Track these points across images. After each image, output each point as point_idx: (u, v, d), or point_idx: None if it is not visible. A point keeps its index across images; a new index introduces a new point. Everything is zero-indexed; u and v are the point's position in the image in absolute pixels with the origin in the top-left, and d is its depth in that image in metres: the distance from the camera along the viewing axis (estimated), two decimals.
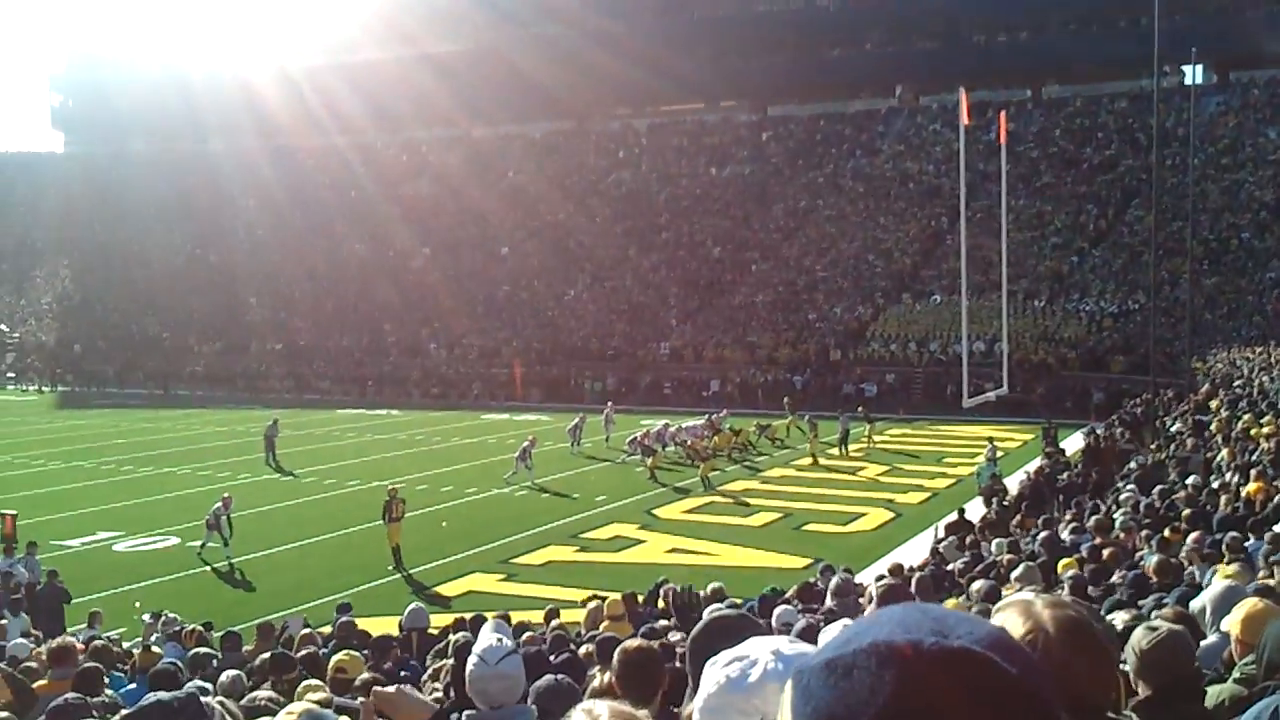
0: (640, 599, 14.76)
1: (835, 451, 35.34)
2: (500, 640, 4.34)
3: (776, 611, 11.03)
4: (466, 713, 4.22)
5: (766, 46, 74.41)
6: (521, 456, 31.32)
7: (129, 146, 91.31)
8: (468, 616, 13.95)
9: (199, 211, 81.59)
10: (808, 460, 34.12)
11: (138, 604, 18.63)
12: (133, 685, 10.01)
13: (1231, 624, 4.98)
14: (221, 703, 3.94)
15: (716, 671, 1.60)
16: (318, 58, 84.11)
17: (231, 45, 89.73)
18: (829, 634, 3.59)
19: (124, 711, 6.64)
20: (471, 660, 4.24)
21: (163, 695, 3.27)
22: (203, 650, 12.16)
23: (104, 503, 29.46)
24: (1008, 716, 0.91)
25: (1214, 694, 4.57)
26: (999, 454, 29.27)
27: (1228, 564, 9.46)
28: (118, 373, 65.53)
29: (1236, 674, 4.69)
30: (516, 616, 13.92)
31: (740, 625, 3.25)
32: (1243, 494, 14.10)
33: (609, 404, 41.94)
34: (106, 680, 9.79)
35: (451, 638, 10.57)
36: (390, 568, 22.29)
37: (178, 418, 49.84)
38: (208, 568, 22.81)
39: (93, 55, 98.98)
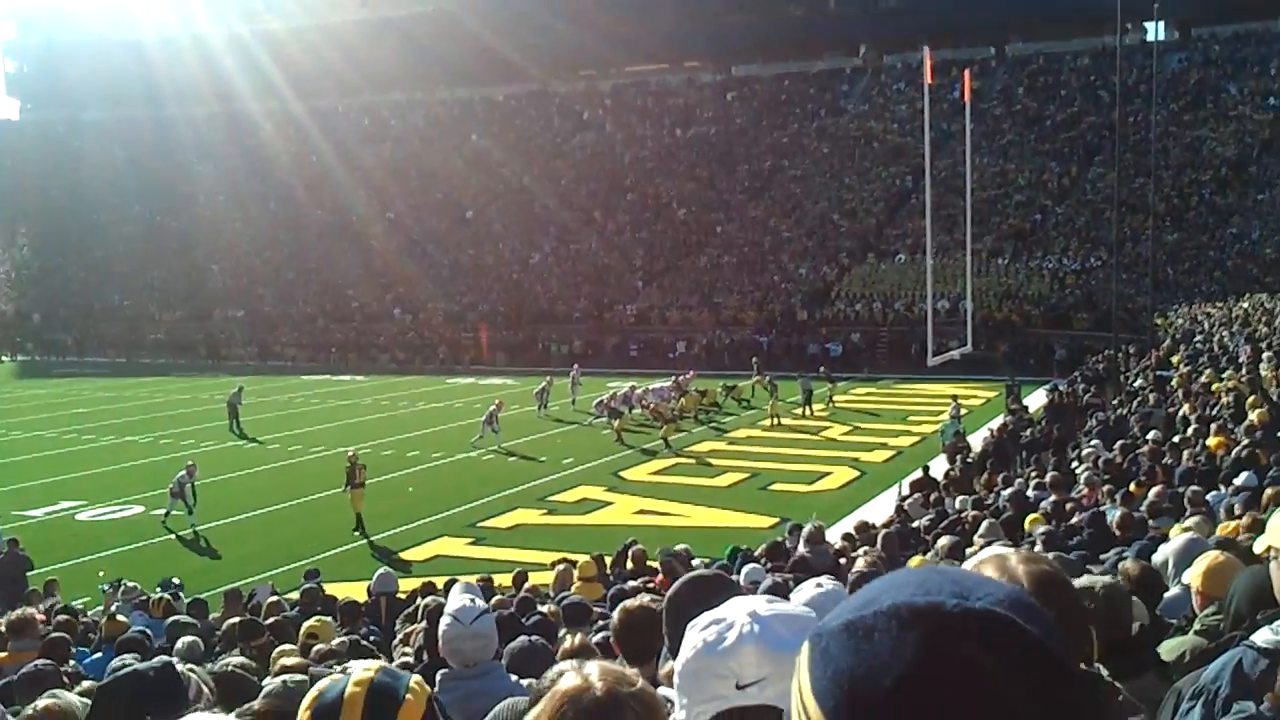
0: (608, 561, 14.80)
1: (799, 412, 35.47)
2: (473, 600, 4.36)
3: (744, 570, 11.07)
4: (441, 671, 4.21)
5: (729, 6, 74.04)
6: (488, 420, 31.25)
7: (85, 113, 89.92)
8: (438, 581, 13.93)
9: (158, 178, 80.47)
10: (770, 421, 34.21)
11: (101, 573, 18.49)
12: (98, 655, 9.93)
13: (1192, 576, 5.00)
14: (193, 669, 3.90)
15: (695, 635, 1.59)
16: (276, 22, 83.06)
17: (188, 9, 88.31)
18: (802, 592, 3.57)
19: (90, 682, 6.57)
20: (445, 620, 4.26)
21: (138, 665, 3.22)
22: (181, 619, 12.10)
23: (66, 472, 29.19)
24: (1030, 677, 0.90)
25: (1175, 646, 4.59)
26: (963, 412, 29.47)
27: (1188, 518, 9.54)
28: (77, 341, 64.85)
29: (1198, 625, 4.70)
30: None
31: (717, 584, 3.24)
32: (1204, 448, 14.25)
33: (575, 367, 41.92)
34: (73, 650, 9.72)
35: (421, 602, 10.54)
36: (355, 533, 22.25)
37: (139, 386, 49.40)
38: (172, 536, 22.68)
39: (46, 20, 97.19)
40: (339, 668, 2.42)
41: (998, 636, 0.91)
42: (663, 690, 2.06)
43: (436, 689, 4.23)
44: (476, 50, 77.19)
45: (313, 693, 2.25)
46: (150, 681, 3.05)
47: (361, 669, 2.27)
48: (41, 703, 3.66)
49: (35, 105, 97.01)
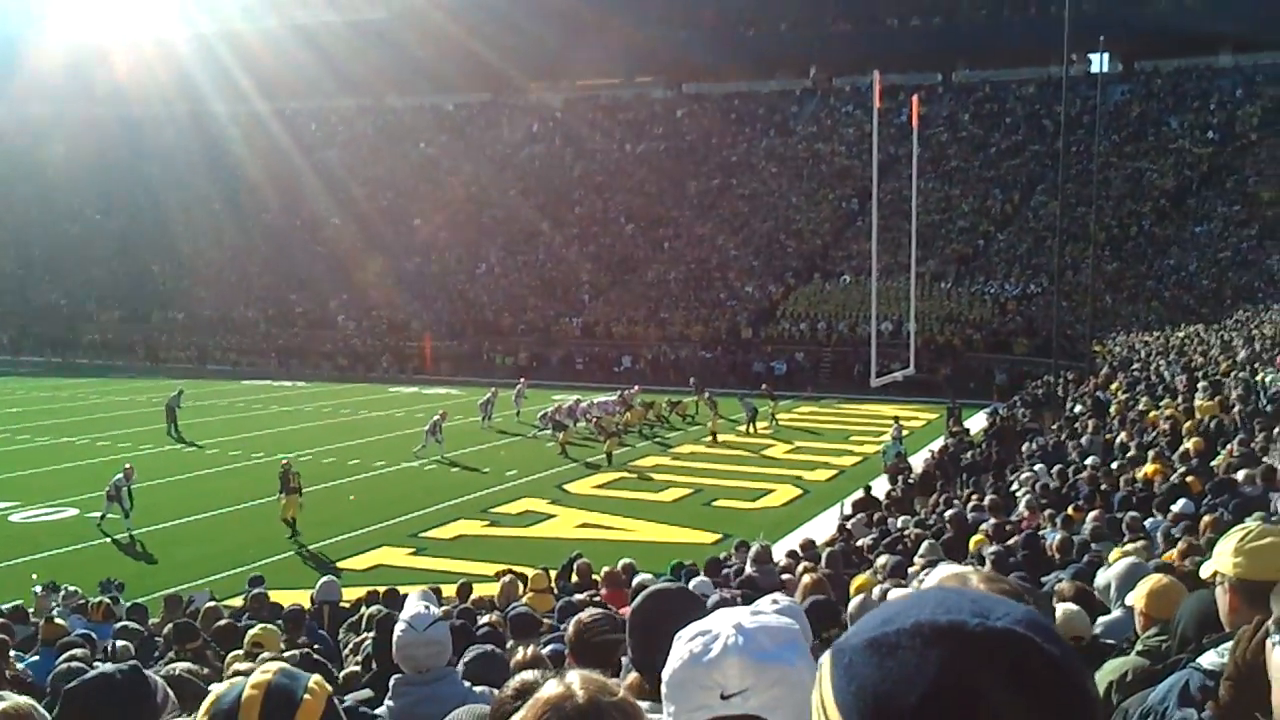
0: (553, 574, 14.79)
1: (743, 429, 35.62)
2: (427, 608, 4.38)
3: (692, 584, 11.13)
4: (395, 677, 4.21)
5: (683, 23, 74.41)
6: (432, 430, 31.09)
7: (28, 109, 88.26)
8: (381, 590, 13.87)
9: (98, 176, 79.22)
10: (709, 438, 34.30)
11: (34, 575, 18.17)
12: (35, 658, 9.78)
13: (1136, 598, 5.10)
14: (160, 676, 3.88)
15: (681, 645, 1.62)
16: (234, 21, 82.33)
17: (141, 7, 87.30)
18: (760, 608, 3.62)
19: (45, 686, 6.48)
20: (399, 627, 4.27)
21: (107, 669, 3.20)
22: (130, 624, 11.93)
23: (0, 472, 28.69)
24: (1049, 695, 0.93)
25: (1117, 666, 4.67)
26: (904, 433, 29.79)
27: (1127, 542, 9.73)
28: (12, 340, 63.65)
29: (1140, 646, 4.80)
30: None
31: (680, 598, 3.27)
32: (1140, 475, 14.50)
33: (521, 380, 41.77)
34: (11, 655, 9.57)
35: (365, 611, 10.49)
36: (288, 537, 22.10)
37: (76, 386, 48.59)
38: (108, 539, 22.33)
39: None
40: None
41: (1019, 655, 0.94)
42: None
43: (390, 695, 4.25)
44: (427, 59, 76.95)
45: (210, 697, 2.24)
46: (118, 685, 3.02)
47: (260, 671, 2.29)
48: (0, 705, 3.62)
49: None
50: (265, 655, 7.98)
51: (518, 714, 2.10)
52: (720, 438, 34.32)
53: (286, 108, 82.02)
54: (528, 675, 2.92)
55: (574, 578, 14.40)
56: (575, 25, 72.66)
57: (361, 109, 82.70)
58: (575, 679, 2.02)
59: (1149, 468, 14.54)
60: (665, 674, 1.61)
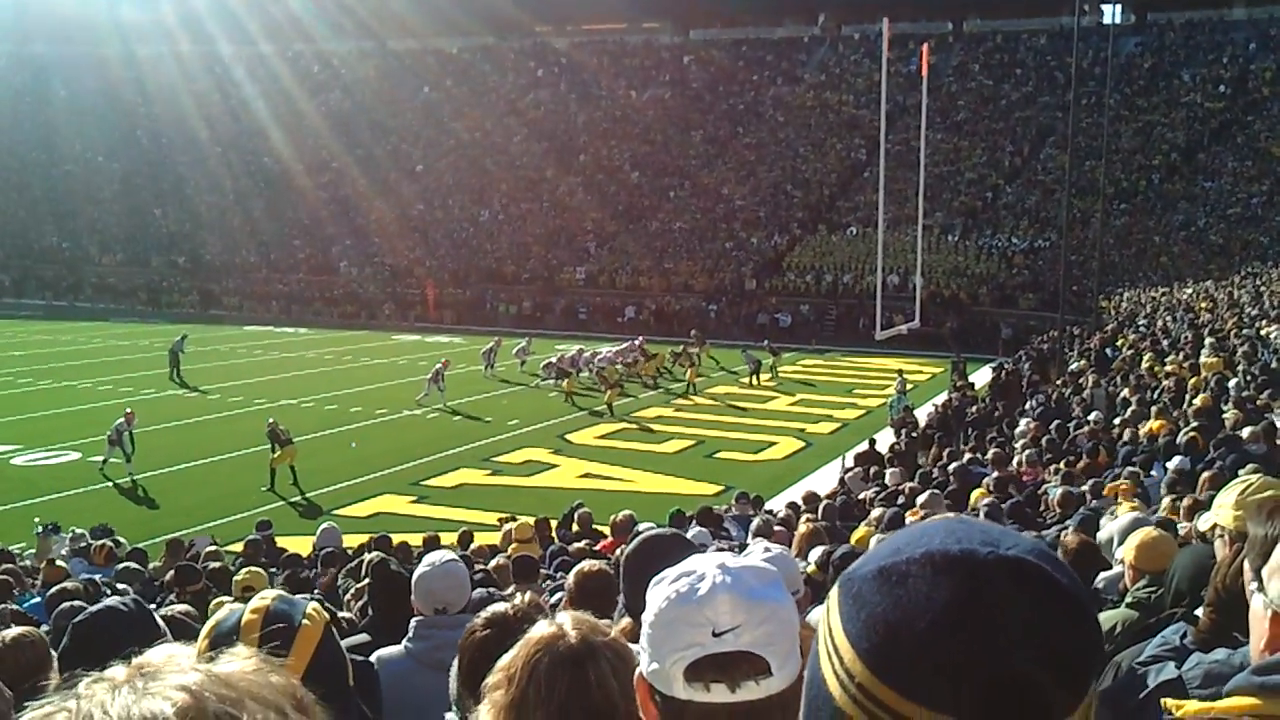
0: (553, 523, 14.80)
1: (745, 381, 35.59)
2: (447, 554, 4.49)
3: (689, 534, 11.11)
4: (416, 619, 4.21)
5: None
6: (434, 378, 31.03)
7: (29, 48, 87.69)
8: (397, 539, 13.86)
9: (101, 118, 78.81)
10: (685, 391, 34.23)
11: (36, 519, 18.20)
12: (37, 599, 9.81)
13: (1125, 551, 5.09)
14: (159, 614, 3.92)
15: (664, 588, 1.60)
16: None
17: None
18: (750, 555, 3.57)
19: (56, 618, 6.45)
20: (420, 567, 4.31)
21: (113, 601, 3.20)
22: (131, 565, 12.00)
23: (1, 415, 28.68)
24: (1060, 623, 0.94)
25: (1107, 618, 4.66)
26: (908, 386, 29.75)
27: (1123, 501, 9.70)
28: (14, 282, 63.63)
29: (1129, 599, 4.78)
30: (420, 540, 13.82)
31: (674, 543, 3.25)
32: (1144, 430, 14.47)
33: (528, 338, 40.58)
34: (15, 594, 9.63)
35: (366, 557, 10.51)
36: (290, 483, 22.24)
37: (78, 330, 48.59)
38: (109, 484, 22.38)
39: None
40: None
41: (1029, 582, 0.95)
42: None
43: (409, 638, 4.23)
44: (430, 1, 76.06)
45: (210, 621, 2.31)
46: (128, 618, 3.03)
47: (258, 597, 2.33)
48: (11, 633, 3.64)
49: None
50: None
51: (509, 653, 2.09)
52: (724, 390, 34.26)
53: (289, 50, 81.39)
54: (498, 607, 2.90)
55: (575, 527, 14.40)
56: None
57: (364, 52, 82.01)
58: (567, 620, 2.09)
59: (1154, 424, 14.51)
60: (648, 617, 1.59)
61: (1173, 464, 11.06)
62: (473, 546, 13.24)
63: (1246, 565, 1.95)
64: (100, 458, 23.15)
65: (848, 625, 0.98)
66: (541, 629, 2.08)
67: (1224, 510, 3.51)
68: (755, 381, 35.49)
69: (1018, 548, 0.98)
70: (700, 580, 1.58)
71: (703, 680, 1.53)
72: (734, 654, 1.54)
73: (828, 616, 1.02)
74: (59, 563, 11.85)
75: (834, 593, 1.02)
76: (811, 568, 7.30)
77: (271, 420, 23.73)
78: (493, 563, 10.38)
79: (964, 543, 0.97)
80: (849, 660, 0.97)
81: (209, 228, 66.52)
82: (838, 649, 0.98)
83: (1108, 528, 7.25)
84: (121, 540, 14.68)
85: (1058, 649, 0.93)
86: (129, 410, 23.80)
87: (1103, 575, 6.34)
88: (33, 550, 16.24)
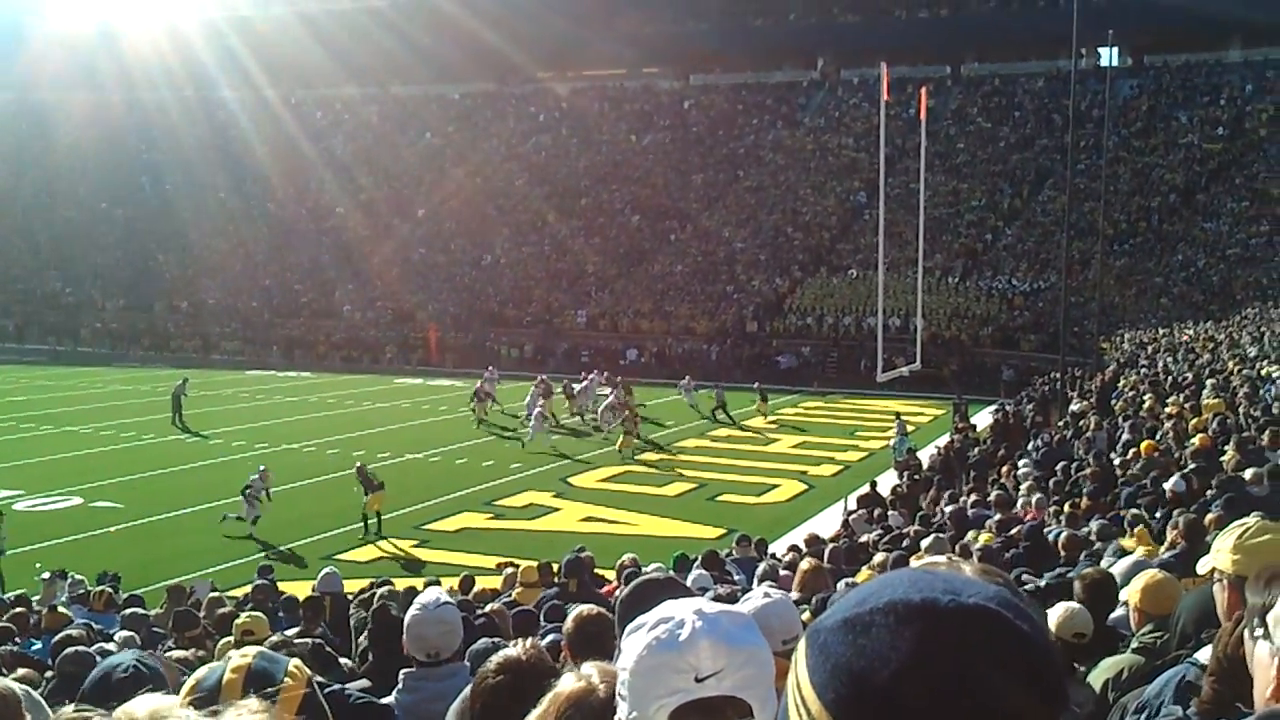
0: (555, 567, 14.72)
1: (721, 417, 35.58)
2: (438, 596, 4.45)
3: (691, 577, 11.09)
4: (405, 671, 4.19)
5: (689, 13, 74.21)
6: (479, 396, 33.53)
7: (34, 95, 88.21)
8: (397, 584, 13.80)
9: (104, 164, 79.26)
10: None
11: (38, 564, 18.16)
12: (38, 645, 9.79)
13: (1130, 594, 5.06)
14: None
15: (643, 635, 1.61)
16: (241, 8, 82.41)
17: None
18: (750, 600, 3.59)
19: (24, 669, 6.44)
20: (411, 610, 4.30)
21: (128, 660, 3.21)
22: (139, 611, 11.97)
23: (4, 461, 28.68)
24: (1022, 670, 0.96)
25: (1113, 664, 4.65)
26: (909, 429, 29.72)
27: (1130, 538, 9.69)
28: (17, 328, 63.75)
29: (1135, 644, 4.76)
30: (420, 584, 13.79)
31: (669, 587, 3.24)
32: (1147, 472, 14.50)
33: (541, 378, 40.47)
34: (17, 642, 9.61)
35: (376, 591, 10.54)
36: (371, 527, 22.27)
37: (80, 375, 48.65)
38: (110, 528, 22.27)
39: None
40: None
41: (990, 631, 0.96)
42: None
43: (399, 689, 4.21)
44: (433, 48, 76.67)
45: (191, 680, 2.25)
46: (147, 679, 3.04)
47: (239, 654, 2.31)
48: None
49: None
50: (256, 640, 7.95)
51: (538, 709, 2.09)
52: (725, 433, 34.19)
53: (292, 95, 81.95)
54: (509, 651, 2.90)
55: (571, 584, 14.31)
56: (582, 14, 72.52)
57: (367, 97, 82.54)
58: (594, 673, 2.09)
59: (1143, 444, 14.73)
60: (627, 664, 1.60)
61: (1169, 484, 11.17)
62: (474, 591, 13.19)
63: (1246, 634, 1.96)
64: (238, 515, 22.19)
65: (814, 676, 1.00)
66: (570, 684, 2.08)
67: (1222, 555, 3.52)
68: (723, 418, 35.38)
69: (979, 596, 0.99)
70: (680, 626, 1.59)
71: None
72: (717, 699, 1.56)
73: (795, 669, 1.03)
74: (60, 609, 11.84)
75: (801, 644, 1.04)
76: (806, 615, 7.28)
77: (360, 464, 23.55)
78: (489, 606, 10.34)
79: (925, 592, 0.98)
80: (815, 711, 0.98)
81: (211, 273, 66.68)
82: (805, 701, 1.00)
83: (1112, 570, 7.24)
84: (119, 587, 14.65)
85: (1020, 696, 0.94)
86: (263, 468, 23.27)
87: (1112, 616, 6.33)
88: (37, 596, 16.22)
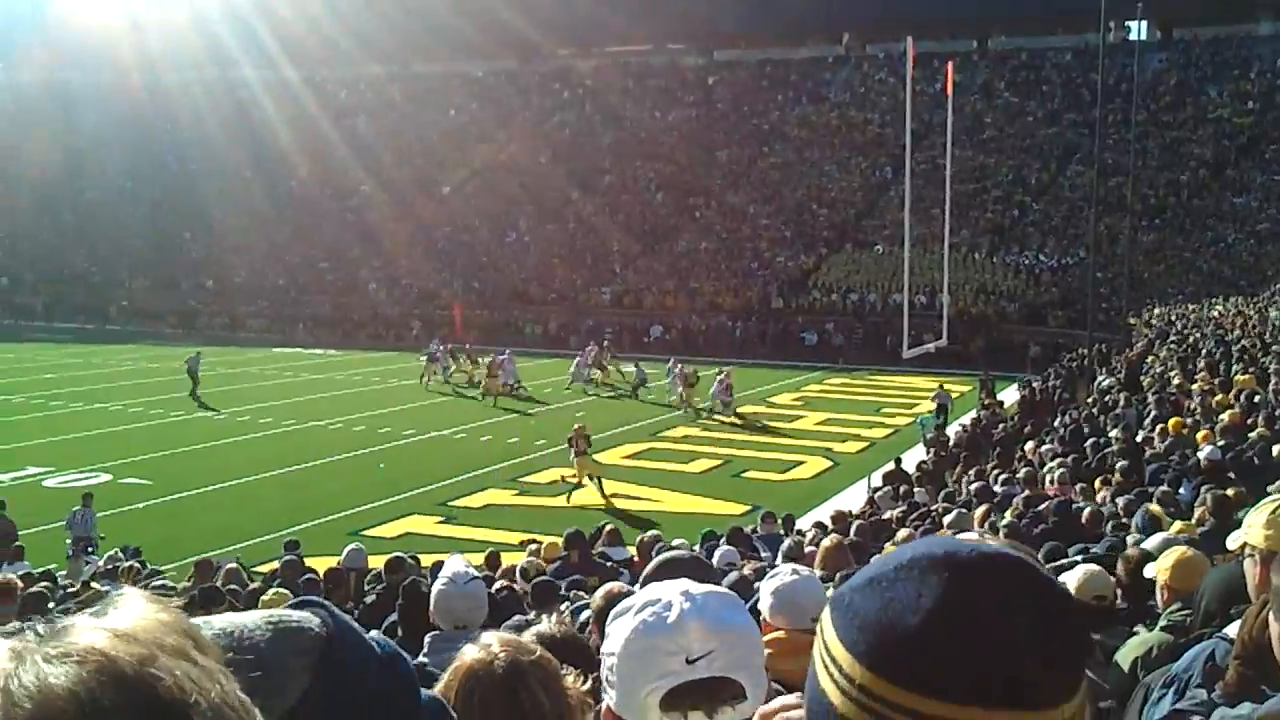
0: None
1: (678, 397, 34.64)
2: (466, 568, 4.49)
3: (718, 553, 11.10)
4: (432, 634, 4.22)
5: None
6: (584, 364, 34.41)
7: (59, 76, 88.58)
8: (424, 560, 13.88)
9: (132, 144, 79.56)
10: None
11: (68, 540, 18.35)
12: None
13: (1159, 570, 5.01)
14: None
15: (630, 619, 1.60)
16: None
17: None
18: (777, 577, 3.57)
19: None
20: (439, 583, 4.34)
21: None
22: (168, 584, 12.10)
23: (33, 438, 28.91)
24: (1045, 609, 0.99)
25: (1142, 642, 4.60)
26: (953, 397, 29.93)
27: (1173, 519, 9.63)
28: (45, 307, 64.23)
29: (1163, 622, 4.71)
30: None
31: (692, 565, 3.23)
32: (1168, 435, 14.49)
33: (591, 347, 41.93)
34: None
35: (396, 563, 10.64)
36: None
37: (108, 353, 48.98)
38: (139, 505, 22.46)
39: None
40: None
41: (1015, 575, 1.00)
42: None
43: (425, 651, 4.22)
44: (455, 25, 76.55)
45: None
46: None
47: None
48: None
49: (7, 66, 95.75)
50: None
51: (440, 681, 2.10)
52: (749, 409, 34.12)
53: (315, 75, 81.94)
54: (541, 628, 2.91)
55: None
56: None
57: (390, 76, 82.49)
58: (494, 642, 2.12)
59: (1171, 420, 14.68)
60: (615, 648, 1.59)
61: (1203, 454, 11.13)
62: (501, 569, 13.24)
63: (1271, 617, 1.93)
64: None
65: (843, 634, 1.02)
66: (470, 654, 2.08)
67: (1254, 530, 3.48)
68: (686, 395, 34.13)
69: (1002, 549, 1.03)
70: (668, 609, 1.58)
71: (680, 708, 1.54)
72: (709, 680, 1.55)
73: (822, 635, 1.06)
74: (94, 584, 11.95)
75: (826, 614, 1.07)
76: (829, 592, 7.26)
77: (579, 425, 24.28)
78: (501, 581, 10.38)
79: (947, 546, 1.02)
80: (848, 666, 1.00)
81: (236, 251, 66.93)
82: (835, 660, 1.02)
83: (1141, 546, 7.18)
84: (146, 562, 14.79)
85: (1046, 634, 0.97)
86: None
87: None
88: (63, 572, 16.40)
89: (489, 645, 2.09)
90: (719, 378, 34.10)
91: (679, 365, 35.88)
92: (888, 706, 0.97)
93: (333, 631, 1.33)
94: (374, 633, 1.51)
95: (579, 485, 23.60)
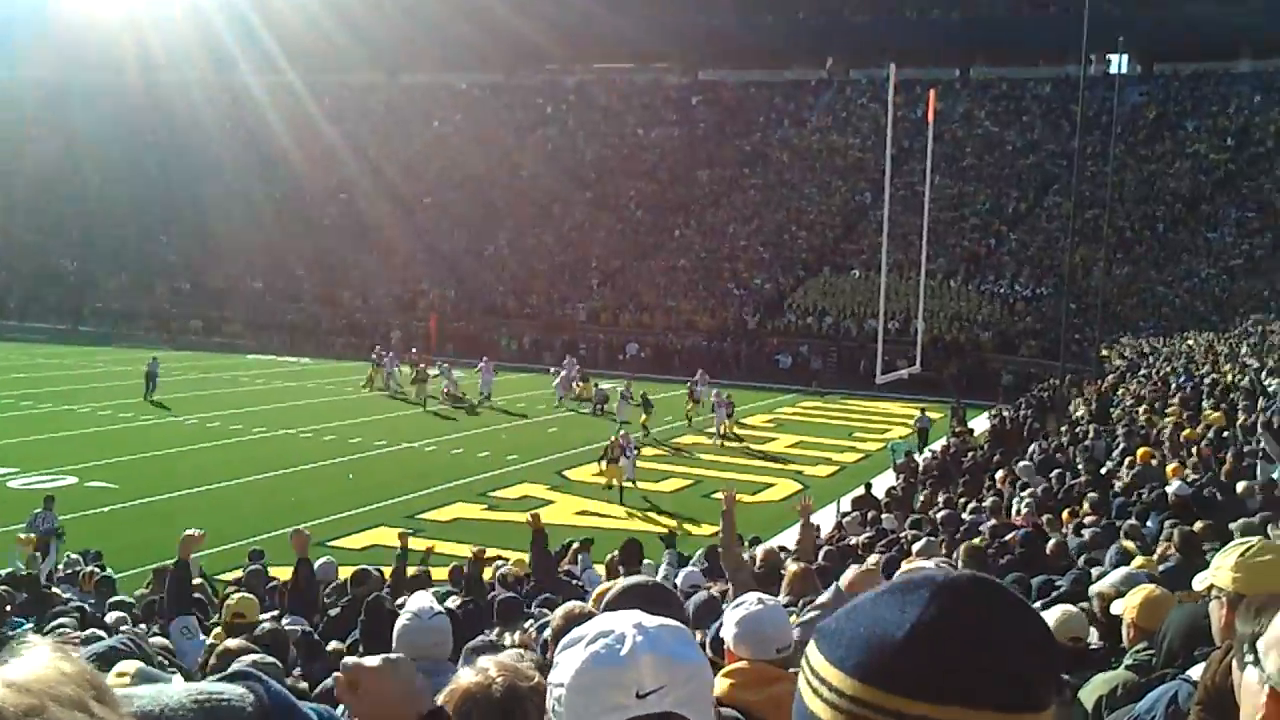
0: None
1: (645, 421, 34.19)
2: (431, 604, 4.49)
3: (682, 574, 11.06)
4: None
5: (700, 8, 73.95)
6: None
7: (51, 74, 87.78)
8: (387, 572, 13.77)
9: (111, 145, 79.04)
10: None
11: (20, 537, 18.11)
12: (29, 624, 9.75)
13: (1126, 608, 4.99)
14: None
15: (580, 650, 1.56)
16: None
17: None
18: (743, 605, 3.55)
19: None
20: (404, 617, 4.34)
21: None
22: (127, 599, 11.98)
23: (0, 438, 28.62)
24: (1020, 622, 1.07)
25: (1107, 680, 4.59)
26: (930, 420, 30.20)
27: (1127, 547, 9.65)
28: (19, 305, 63.67)
29: (1129, 660, 4.70)
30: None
31: (655, 593, 3.20)
32: (1135, 464, 14.55)
33: (569, 360, 42.31)
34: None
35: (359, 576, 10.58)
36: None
37: (82, 354, 48.60)
38: (104, 509, 22.25)
39: None
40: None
41: (990, 593, 1.09)
42: None
43: None
44: (443, 36, 76.52)
45: None
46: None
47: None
48: None
49: (7, 66, 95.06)
50: (247, 624, 7.90)
51: (439, 695, 2.06)
52: (724, 429, 34.14)
53: (298, 82, 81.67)
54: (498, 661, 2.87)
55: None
56: (591, 6, 72.32)
57: (374, 85, 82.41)
58: (492, 666, 2.11)
59: (1139, 451, 14.71)
60: (563, 679, 1.55)
61: (1172, 489, 11.17)
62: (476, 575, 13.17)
63: (1234, 663, 1.92)
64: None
65: (831, 655, 1.09)
66: (468, 677, 2.05)
67: (1223, 572, 3.47)
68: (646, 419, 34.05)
69: (968, 571, 1.15)
70: (620, 641, 1.55)
71: None
72: (659, 715, 1.52)
73: (807, 664, 1.12)
74: (54, 589, 11.81)
75: (809, 647, 1.13)
76: (794, 618, 7.23)
77: (623, 431, 25.55)
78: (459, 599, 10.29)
79: (923, 572, 1.12)
80: (838, 681, 1.07)
81: (215, 255, 66.47)
82: (824, 680, 1.09)
83: (1102, 582, 7.19)
84: (105, 566, 14.64)
85: (1024, 641, 1.06)
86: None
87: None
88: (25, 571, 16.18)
89: (486, 669, 2.06)
90: (724, 398, 34.16)
91: (723, 394, 34.68)
92: (878, 712, 1.03)
93: (267, 709, 1.27)
94: (310, 707, 1.44)
95: (610, 487, 25.03)
